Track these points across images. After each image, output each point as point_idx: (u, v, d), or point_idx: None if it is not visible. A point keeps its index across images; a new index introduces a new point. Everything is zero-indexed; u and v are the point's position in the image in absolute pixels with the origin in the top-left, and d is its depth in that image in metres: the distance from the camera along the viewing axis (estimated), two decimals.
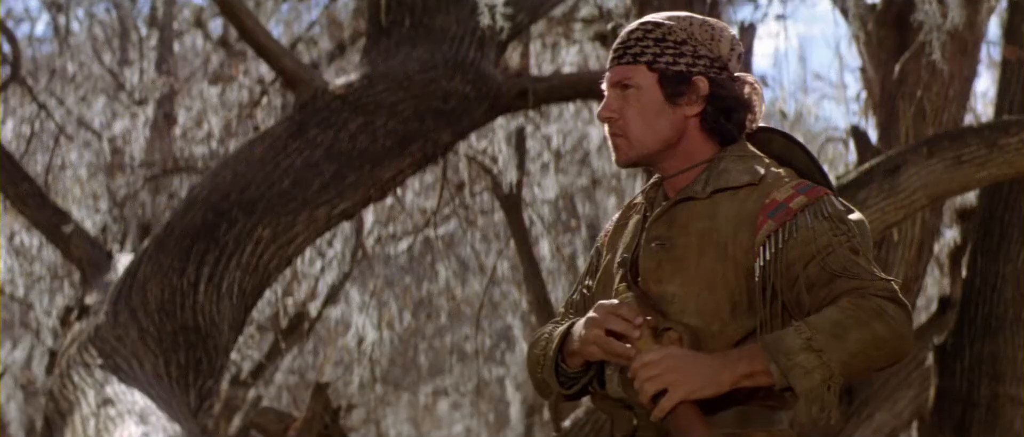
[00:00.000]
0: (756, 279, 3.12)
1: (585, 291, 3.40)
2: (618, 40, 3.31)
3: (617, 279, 3.28)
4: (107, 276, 8.78)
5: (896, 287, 3.10)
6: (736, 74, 3.28)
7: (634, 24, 3.31)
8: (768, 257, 3.12)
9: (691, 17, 3.29)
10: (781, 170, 3.24)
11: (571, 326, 3.27)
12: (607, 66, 3.32)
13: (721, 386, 3.05)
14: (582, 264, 11.71)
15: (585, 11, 12.02)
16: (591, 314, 3.19)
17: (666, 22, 3.27)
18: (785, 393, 3.04)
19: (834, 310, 3.02)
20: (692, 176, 3.26)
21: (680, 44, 3.25)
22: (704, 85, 3.24)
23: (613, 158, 3.32)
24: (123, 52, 14.72)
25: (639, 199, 3.38)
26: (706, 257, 3.17)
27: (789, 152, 3.30)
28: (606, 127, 3.31)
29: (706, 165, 3.25)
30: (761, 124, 3.35)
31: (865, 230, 3.25)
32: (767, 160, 3.26)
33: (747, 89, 3.29)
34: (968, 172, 7.42)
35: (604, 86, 3.32)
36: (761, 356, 3.02)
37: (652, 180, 3.37)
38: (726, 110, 3.26)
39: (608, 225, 3.43)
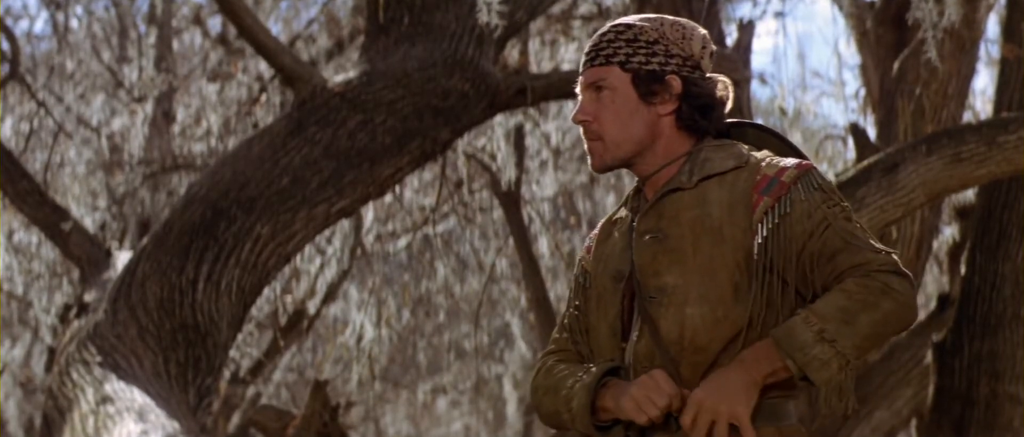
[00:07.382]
0: (755, 256, 3.15)
1: (575, 312, 3.37)
2: (590, 43, 3.33)
3: (618, 293, 3.26)
4: (106, 274, 8.78)
5: (896, 259, 3.15)
6: (709, 74, 3.32)
7: (606, 27, 3.34)
8: (766, 234, 3.16)
9: (663, 18, 3.32)
10: (763, 152, 3.28)
11: (603, 379, 3.21)
12: (580, 70, 3.32)
13: (754, 396, 3.11)
14: None
15: (584, 8, 12.01)
16: (635, 391, 3.16)
17: (638, 23, 3.29)
18: (801, 381, 3.11)
19: (840, 295, 3.08)
20: (672, 171, 3.28)
21: (652, 44, 3.27)
22: (677, 84, 3.27)
23: (589, 163, 3.31)
24: (122, 49, 14.72)
25: (621, 213, 3.37)
26: (702, 244, 3.19)
27: (762, 141, 3.34)
28: (582, 131, 3.30)
29: (686, 158, 3.27)
30: (731, 119, 3.39)
31: None
32: (746, 147, 3.30)
33: (720, 87, 3.32)
34: (967, 170, 7.42)
35: (578, 90, 3.32)
36: (776, 353, 3.09)
37: (633, 188, 3.37)
38: (701, 108, 3.29)
39: (588, 241, 3.43)
